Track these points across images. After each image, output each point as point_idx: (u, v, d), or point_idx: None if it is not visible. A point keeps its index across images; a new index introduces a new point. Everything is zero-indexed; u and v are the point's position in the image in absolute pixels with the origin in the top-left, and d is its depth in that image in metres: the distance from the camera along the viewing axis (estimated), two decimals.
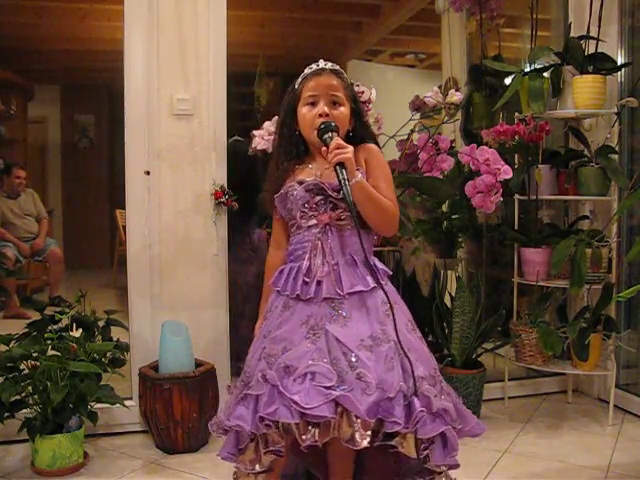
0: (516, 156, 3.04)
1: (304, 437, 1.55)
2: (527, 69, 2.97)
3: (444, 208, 3.49)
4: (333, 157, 1.62)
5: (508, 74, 3.23)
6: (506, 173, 2.62)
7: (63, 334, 2.39)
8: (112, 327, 2.63)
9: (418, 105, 2.88)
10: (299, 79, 1.79)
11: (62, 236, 7.16)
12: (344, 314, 1.66)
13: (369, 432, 1.56)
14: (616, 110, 2.91)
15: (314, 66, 1.78)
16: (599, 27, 2.94)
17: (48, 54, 6.35)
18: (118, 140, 2.88)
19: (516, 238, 2.99)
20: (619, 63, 3.02)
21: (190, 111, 2.67)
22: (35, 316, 2.62)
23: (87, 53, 6.07)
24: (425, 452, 1.61)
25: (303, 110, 1.75)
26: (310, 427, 1.56)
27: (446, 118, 2.73)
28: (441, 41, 4.15)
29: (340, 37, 6.11)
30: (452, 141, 3.10)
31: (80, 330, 2.39)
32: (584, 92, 2.86)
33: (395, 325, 1.63)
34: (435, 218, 3.45)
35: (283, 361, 1.63)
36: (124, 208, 2.72)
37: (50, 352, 2.29)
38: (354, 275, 1.70)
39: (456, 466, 1.73)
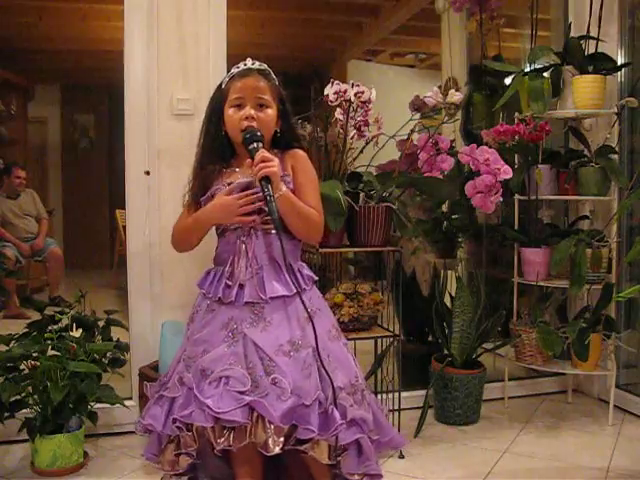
0: (516, 156, 3.03)
1: (219, 441, 1.55)
2: (527, 69, 2.97)
3: (444, 208, 3.49)
4: (258, 170, 1.61)
5: (508, 74, 3.23)
6: (506, 173, 2.62)
7: (63, 334, 2.39)
8: (112, 327, 2.62)
9: (418, 105, 2.88)
10: (226, 78, 1.79)
11: (62, 236, 7.16)
12: (266, 318, 1.65)
13: (282, 438, 1.56)
14: (616, 110, 2.91)
15: (241, 65, 1.79)
16: (599, 27, 2.94)
17: (48, 54, 6.35)
18: (118, 140, 2.87)
19: (516, 238, 2.99)
20: (619, 63, 3.02)
21: (190, 111, 2.67)
22: (35, 316, 2.61)
23: (87, 53, 6.07)
24: (337, 459, 1.61)
25: (230, 112, 1.75)
26: (225, 431, 1.56)
27: (446, 118, 2.72)
28: (441, 41, 4.14)
29: (340, 37, 6.10)
30: (452, 141, 3.10)
31: (80, 330, 2.39)
32: (584, 92, 2.87)
33: (315, 334, 1.61)
34: (435, 218, 3.45)
35: (200, 364, 1.63)
36: (124, 208, 2.72)
37: (50, 352, 2.29)
38: (277, 280, 1.69)
39: (378, 476, 1.72)
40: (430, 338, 3.28)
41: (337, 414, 1.60)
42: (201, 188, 1.78)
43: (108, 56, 3.99)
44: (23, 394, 2.31)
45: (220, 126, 1.79)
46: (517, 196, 3.01)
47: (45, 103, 7.44)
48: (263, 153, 1.64)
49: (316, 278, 1.78)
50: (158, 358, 2.58)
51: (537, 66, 2.95)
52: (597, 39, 2.94)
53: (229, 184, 1.73)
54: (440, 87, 3.16)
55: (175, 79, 2.66)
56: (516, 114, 2.98)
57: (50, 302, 2.65)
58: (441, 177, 2.74)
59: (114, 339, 2.58)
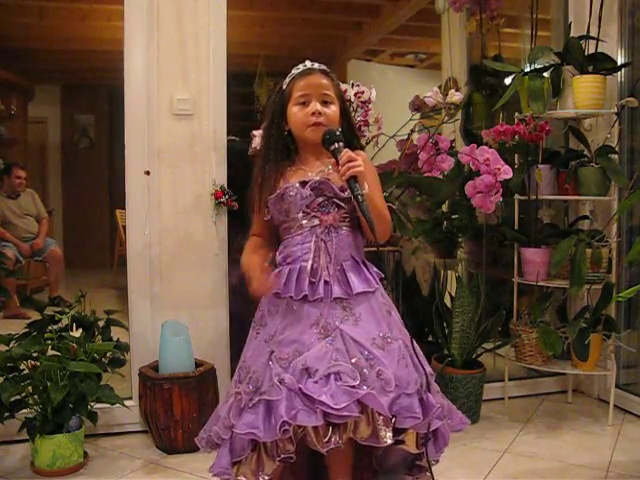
0: (516, 156, 3.03)
1: (325, 440, 1.54)
2: (527, 69, 2.97)
3: (444, 208, 3.49)
4: (346, 170, 1.61)
5: (508, 74, 3.23)
6: (506, 173, 2.62)
7: (63, 334, 2.39)
8: (112, 327, 2.63)
9: (418, 105, 2.88)
10: (287, 79, 1.78)
11: (62, 236, 7.16)
12: (354, 314, 1.67)
13: (390, 428, 1.57)
14: (616, 110, 2.91)
15: (301, 66, 1.78)
16: (599, 27, 2.94)
17: (48, 54, 6.35)
18: (118, 140, 2.87)
19: (516, 238, 2.99)
20: (619, 63, 3.02)
21: (190, 111, 2.67)
22: (35, 316, 2.61)
23: (87, 53, 6.07)
24: (423, 448, 1.65)
25: (294, 109, 1.74)
26: (330, 429, 1.56)
27: (446, 118, 2.73)
28: (441, 41, 4.14)
29: (340, 37, 6.11)
30: (452, 141, 3.10)
31: (80, 330, 2.40)
32: (584, 92, 2.86)
33: (407, 326, 1.70)
34: (435, 218, 3.44)
35: (300, 363, 1.60)
36: (124, 208, 2.72)
37: (50, 352, 2.29)
38: (359, 276, 1.71)
39: (437, 461, 1.79)
40: (430, 338, 3.28)
41: (432, 399, 1.65)
42: (269, 187, 1.77)
43: (108, 56, 3.99)
44: (23, 394, 2.31)
45: (283, 126, 1.78)
46: (517, 196, 3.01)
47: (45, 103, 7.43)
48: (348, 152, 1.64)
49: (382, 275, 1.81)
50: (158, 358, 2.58)
51: (537, 66, 2.95)
52: (597, 39, 2.94)
53: (301, 182, 1.72)
54: (440, 87, 3.15)
55: (175, 79, 2.66)
56: (516, 114, 2.98)
57: (50, 302, 2.66)
58: (441, 177, 2.74)
59: (114, 339, 2.58)
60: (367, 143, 2.67)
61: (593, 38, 2.94)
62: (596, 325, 2.85)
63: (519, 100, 2.93)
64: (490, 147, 2.73)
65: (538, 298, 3.02)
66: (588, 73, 2.88)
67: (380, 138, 2.72)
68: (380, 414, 1.56)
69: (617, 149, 2.95)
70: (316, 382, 1.57)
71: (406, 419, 1.59)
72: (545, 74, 2.95)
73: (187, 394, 2.47)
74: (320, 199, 1.71)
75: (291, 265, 1.72)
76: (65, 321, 2.44)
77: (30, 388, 2.30)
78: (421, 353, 1.77)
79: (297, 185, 1.72)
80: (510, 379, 3.12)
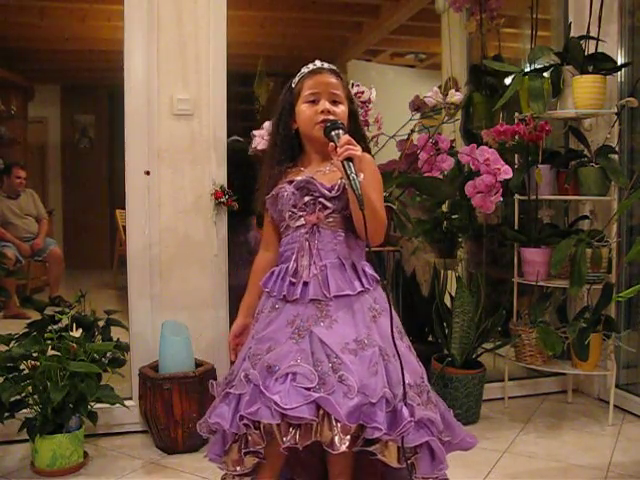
0: (516, 156, 3.04)
1: (285, 439, 1.54)
2: (527, 69, 2.97)
3: (444, 208, 3.49)
4: (344, 151, 1.58)
5: (508, 74, 3.23)
6: (506, 173, 2.62)
7: (63, 334, 2.39)
8: (112, 327, 2.63)
9: (418, 105, 2.88)
10: (296, 78, 1.78)
11: (62, 236, 7.16)
12: (331, 316, 1.64)
13: (348, 436, 1.54)
14: (616, 110, 2.92)
15: (311, 65, 1.78)
16: (599, 27, 2.94)
17: (48, 54, 6.36)
18: (118, 140, 2.88)
19: (516, 238, 2.99)
20: (619, 63, 3.02)
21: (190, 111, 2.67)
22: (35, 316, 2.62)
23: (87, 53, 6.07)
24: (409, 462, 1.59)
25: (303, 107, 1.73)
26: (291, 429, 1.55)
27: (446, 118, 2.73)
28: (441, 41, 4.15)
29: (340, 37, 6.11)
30: (452, 141, 3.10)
31: (80, 330, 2.39)
32: (584, 92, 2.87)
33: (392, 329, 1.61)
34: (435, 218, 3.45)
35: (266, 361, 1.62)
36: (124, 208, 2.72)
37: (50, 352, 2.29)
38: (341, 278, 1.68)
39: None
40: (430, 338, 3.28)
41: (406, 411, 1.58)
42: (268, 187, 1.77)
43: (108, 56, 3.99)
44: (23, 394, 2.31)
45: (290, 124, 1.78)
46: (517, 196, 3.01)
47: (45, 103, 7.44)
48: (348, 137, 1.62)
49: (379, 278, 1.77)
50: (158, 358, 2.58)
51: (537, 66, 2.95)
52: (597, 39, 2.94)
53: (290, 182, 1.72)
54: (440, 87, 3.15)
55: (175, 79, 2.66)
56: (516, 114, 2.98)
57: (50, 302, 2.66)
58: (441, 177, 2.74)
59: (114, 339, 2.58)
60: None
61: (593, 38, 2.94)
62: (596, 325, 2.85)
63: (519, 100, 2.94)
64: (490, 147, 2.73)
65: (538, 298, 3.02)
66: (588, 73, 2.88)
67: (380, 138, 2.72)
68: (337, 420, 1.53)
69: (617, 149, 2.95)
70: (276, 380, 1.58)
71: (369, 429, 1.55)
72: (545, 74, 2.95)
73: (187, 394, 2.47)
74: (306, 198, 1.70)
75: (282, 264, 1.74)
76: (65, 321, 2.44)
77: (30, 388, 2.30)
78: (414, 361, 1.71)
79: (287, 185, 1.72)
80: (510, 379, 3.12)
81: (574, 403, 3.15)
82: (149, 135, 2.65)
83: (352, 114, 1.79)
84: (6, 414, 2.30)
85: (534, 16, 3.11)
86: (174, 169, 2.68)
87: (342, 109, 1.74)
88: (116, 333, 2.64)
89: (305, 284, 1.67)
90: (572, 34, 3.02)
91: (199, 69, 2.68)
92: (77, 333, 2.38)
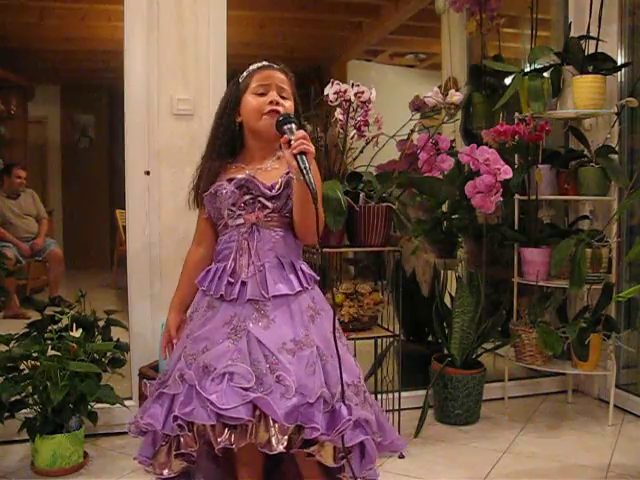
0: (516, 156, 3.04)
1: (219, 440, 1.52)
2: (527, 69, 2.97)
3: (444, 208, 3.49)
4: (298, 145, 1.56)
5: (508, 74, 3.23)
6: (506, 173, 2.62)
7: (63, 334, 2.39)
8: (112, 327, 2.63)
9: (418, 105, 2.88)
10: (244, 73, 1.77)
11: (62, 236, 7.16)
12: (269, 316, 1.63)
13: (286, 437, 1.52)
14: (616, 110, 2.91)
15: (259, 63, 1.77)
16: (599, 27, 2.94)
17: (48, 54, 6.36)
18: (118, 140, 2.87)
19: (516, 238, 2.99)
20: (619, 63, 3.02)
21: (190, 111, 2.67)
22: (35, 316, 2.61)
23: (87, 53, 6.07)
24: (342, 462, 1.57)
25: (249, 98, 1.72)
26: (226, 430, 1.53)
27: (446, 118, 2.72)
28: (441, 41, 4.14)
29: (340, 37, 6.10)
30: (452, 141, 3.10)
31: (80, 330, 2.39)
32: (584, 92, 2.87)
33: (334, 330, 1.59)
34: (435, 218, 3.45)
35: (202, 360, 1.60)
36: (124, 208, 2.72)
37: (50, 352, 2.29)
38: (280, 278, 1.67)
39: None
40: (430, 338, 3.28)
41: (345, 410, 1.57)
42: (207, 183, 1.76)
43: (108, 56, 4.00)
44: (23, 394, 2.31)
45: (234, 117, 1.76)
46: (517, 196, 3.01)
47: (45, 103, 7.44)
48: (304, 133, 1.60)
49: (318, 278, 1.76)
50: (158, 358, 2.58)
51: (537, 66, 2.95)
52: (597, 39, 2.94)
53: (229, 179, 1.71)
54: (440, 87, 3.16)
55: (175, 79, 2.66)
56: (516, 114, 2.98)
57: (50, 302, 2.65)
58: (441, 177, 2.74)
59: (114, 339, 2.58)
60: (367, 143, 2.67)
61: (593, 38, 2.94)
62: (596, 325, 2.85)
63: (519, 100, 2.94)
64: (490, 147, 2.73)
65: (538, 298, 3.02)
66: (588, 73, 2.88)
67: (380, 138, 2.71)
68: (275, 421, 1.51)
69: (617, 149, 2.95)
70: (212, 380, 1.56)
71: (308, 430, 1.54)
72: (545, 74, 2.95)
73: None
74: (246, 197, 1.69)
75: (219, 263, 1.72)
76: (65, 321, 2.44)
77: (30, 388, 2.30)
78: (351, 361, 1.71)
79: (225, 183, 1.71)
80: (510, 379, 3.12)
81: (574, 403, 3.15)
82: (149, 135, 2.65)
83: (296, 113, 1.77)
84: (6, 414, 2.30)
85: (534, 16, 3.11)
86: (174, 169, 2.68)
87: (290, 104, 1.73)
88: (116, 333, 2.64)
89: (243, 284, 1.65)
90: (572, 34, 3.02)
91: (199, 69, 2.68)
92: (77, 333, 2.38)
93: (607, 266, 2.84)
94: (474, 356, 2.92)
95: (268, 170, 1.72)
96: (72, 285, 5.38)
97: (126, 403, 2.46)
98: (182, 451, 1.57)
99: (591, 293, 2.92)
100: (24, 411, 2.34)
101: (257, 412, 1.53)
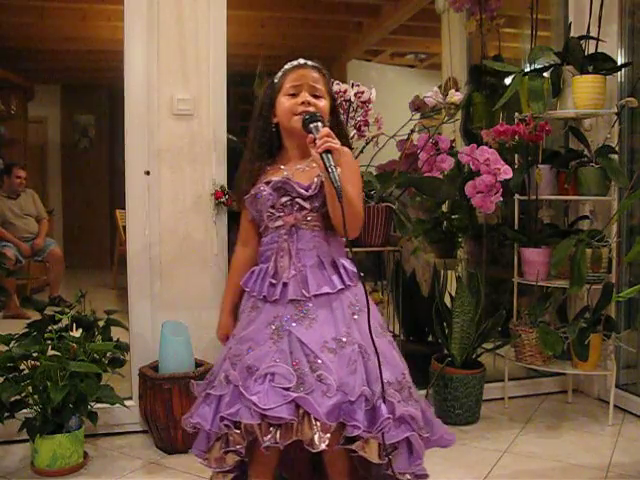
0: (516, 156, 3.03)
1: (265, 438, 1.55)
2: (527, 69, 2.97)
3: (444, 208, 3.49)
4: (322, 143, 1.57)
5: (508, 74, 3.23)
6: (506, 173, 2.62)
7: (63, 334, 2.39)
8: (112, 327, 2.62)
9: (418, 105, 2.88)
10: (279, 73, 1.78)
11: (62, 236, 7.16)
12: (310, 316, 1.65)
13: (328, 435, 1.55)
14: (616, 110, 2.91)
15: (295, 62, 1.78)
16: (599, 27, 2.94)
17: (48, 54, 6.36)
18: (118, 140, 2.88)
19: (516, 238, 2.99)
20: (619, 63, 3.02)
21: (190, 111, 2.67)
22: (35, 316, 2.61)
23: (87, 53, 6.08)
24: (387, 458, 1.59)
25: (283, 99, 1.73)
26: (271, 428, 1.56)
27: (446, 118, 2.73)
28: (441, 41, 4.14)
29: (340, 37, 6.11)
30: (452, 141, 3.10)
31: (80, 330, 2.39)
32: (584, 92, 2.86)
33: (369, 327, 1.59)
34: (435, 218, 3.45)
35: (246, 361, 1.63)
36: (124, 208, 2.72)
37: (50, 352, 2.29)
38: (320, 277, 1.68)
39: (424, 476, 1.72)
40: (430, 338, 3.28)
41: (384, 409, 1.59)
42: (247, 185, 1.77)
43: (108, 56, 4.00)
44: (23, 394, 2.31)
45: (270, 118, 1.77)
46: (517, 196, 3.01)
47: (45, 103, 7.44)
48: (327, 130, 1.61)
49: (361, 274, 1.74)
50: (158, 358, 2.58)
51: (537, 66, 2.95)
52: (597, 39, 2.94)
53: (267, 182, 1.72)
54: (440, 87, 3.16)
55: (175, 79, 2.66)
56: (516, 114, 2.98)
57: (50, 302, 2.65)
58: (441, 177, 2.75)
59: (114, 339, 2.58)
60: (367, 143, 2.67)
61: (593, 38, 2.94)
62: (596, 325, 2.85)
63: (519, 100, 2.93)
64: (490, 147, 2.73)
65: (538, 298, 3.02)
66: (588, 73, 2.88)
67: (380, 138, 2.72)
68: (317, 419, 1.54)
69: (617, 149, 2.94)
70: (255, 381, 1.59)
71: (349, 427, 1.56)
72: (545, 74, 2.95)
73: (187, 394, 2.46)
74: (284, 199, 1.70)
75: (262, 264, 1.74)
76: (65, 321, 2.44)
77: (30, 388, 2.30)
78: (396, 357, 1.72)
79: (264, 185, 1.72)
80: (510, 379, 3.12)
81: (574, 403, 3.15)
82: (149, 135, 2.65)
83: (334, 111, 1.79)
84: (6, 414, 2.30)
85: (534, 16, 3.11)
86: (174, 169, 2.68)
87: (324, 103, 1.73)
88: (116, 333, 2.64)
89: (284, 285, 1.67)
90: (572, 34, 3.02)
91: (199, 69, 2.68)
92: (77, 333, 2.38)
93: (607, 266, 2.84)
94: (474, 356, 2.92)
95: (305, 170, 1.73)
96: (72, 285, 5.38)
97: (126, 403, 2.46)
98: (231, 448, 1.61)
99: (591, 293, 2.92)
100: (24, 411, 2.34)
101: (300, 411, 1.55)
